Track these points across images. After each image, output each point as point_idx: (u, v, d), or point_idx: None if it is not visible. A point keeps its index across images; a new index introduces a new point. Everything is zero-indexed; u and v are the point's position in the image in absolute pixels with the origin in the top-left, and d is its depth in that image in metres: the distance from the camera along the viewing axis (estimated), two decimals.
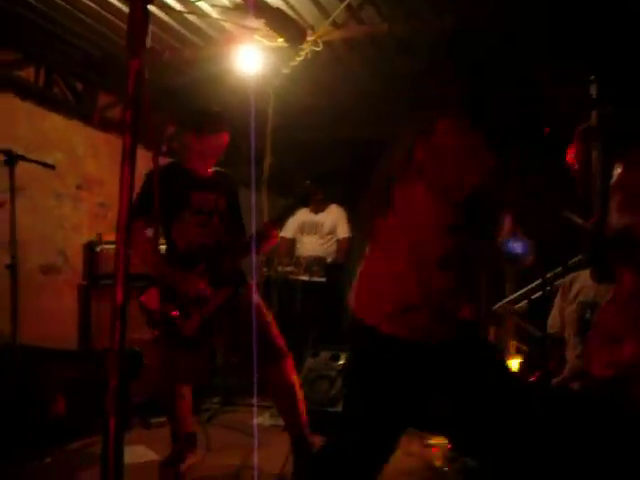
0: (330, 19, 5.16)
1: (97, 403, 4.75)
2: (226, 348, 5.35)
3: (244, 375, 5.05)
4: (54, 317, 5.90)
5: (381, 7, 5.17)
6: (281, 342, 3.95)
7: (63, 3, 5.13)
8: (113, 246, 5.59)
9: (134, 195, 1.51)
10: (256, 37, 5.13)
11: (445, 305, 2.26)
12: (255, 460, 4.03)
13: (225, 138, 4.10)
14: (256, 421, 5.24)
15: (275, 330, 3.96)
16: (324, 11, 5.14)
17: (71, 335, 6.06)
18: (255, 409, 5.44)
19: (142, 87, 1.42)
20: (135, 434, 4.84)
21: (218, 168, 4.28)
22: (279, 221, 4.08)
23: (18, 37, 5.67)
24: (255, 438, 4.51)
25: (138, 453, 4.37)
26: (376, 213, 2.39)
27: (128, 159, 1.42)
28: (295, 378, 3.96)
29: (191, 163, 4.15)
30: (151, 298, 3.86)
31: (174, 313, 3.77)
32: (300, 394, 3.94)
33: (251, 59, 5.34)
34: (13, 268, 4.04)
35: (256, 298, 4.00)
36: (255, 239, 3.89)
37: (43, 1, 5.12)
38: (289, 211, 4.10)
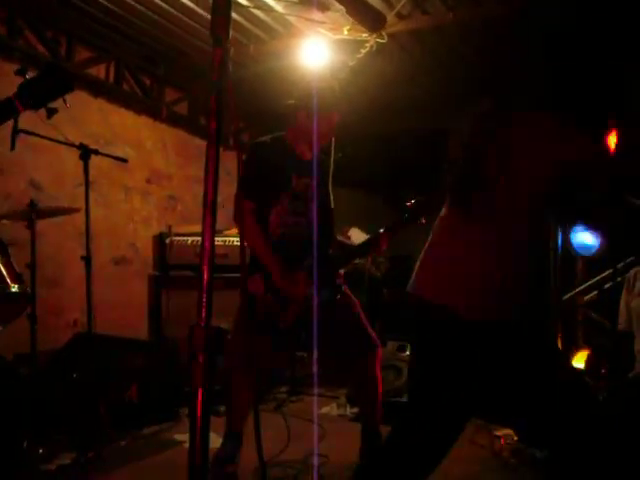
0: (395, 10, 5.16)
1: (168, 391, 4.90)
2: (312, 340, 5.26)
3: (311, 366, 5.10)
4: (126, 307, 6.06)
5: None
6: (375, 335, 3.89)
7: (132, 1, 5.26)
8: (183, 238, 5.76)
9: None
10: (321, 30, 5.17)
11: (520, 288, 2.27)
12: (322, 449, 4.07)
13: (334, 117, 3.83)
14: (317, 410, 5.29)
15: (368, 324, 3.90)
16: (388, 2, 5.15)
17: (142, 324, 6.22)
18: (319, 399, 5.51)
19: (225, 75, 1.47)
20: (188, 423, 4.91)
21: (320, 153, 3.98)
22: (392, 233, 3.82)
23: (90, 36, 5.85)
24: (319, 427, 4.56)
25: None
26: (452, 200, 2.40)
27: (214, 143, 1.47)
28: (380, 371, 3.91)
29: (296, 144, 3.89)
30: (254, 283, 3.70)
31: (274, 303, 3.67)
32: (381, 387, 3.91)
33: (316, 53, 5.37)
34: (87, 260, 4.16)
35: (349, 294, 3.93)
36: (366, 246, 3.82)
37: (115, 1, 5.26)
38: (402, 225, 3.82)
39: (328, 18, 5.24)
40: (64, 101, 1.94)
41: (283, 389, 5.98)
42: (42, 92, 1.89)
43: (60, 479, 3.65)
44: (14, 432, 3.39)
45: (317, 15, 5.13)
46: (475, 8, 5.23)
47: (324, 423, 4.75)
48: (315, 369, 5.21)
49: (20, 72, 1.91)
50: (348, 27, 5.21)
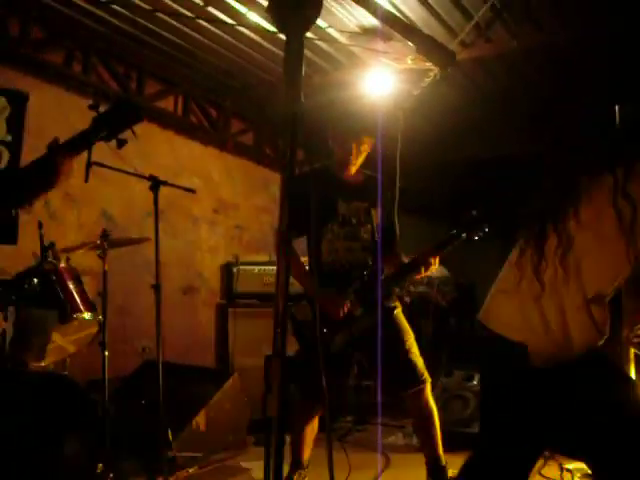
0: (458, 39, 5.17)
1: (234, 419, 4.93)
2: (362, 368, 5.22)
3: (376, 395, 5.07)
4: (193, 335, 6.15)
5: (510, 24, 5.13)
6: (421, 367, 3.82)
7: (200, 36, 5.40)
8: (249, 267, 5.79)
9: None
10: (384, 60, 5.20)
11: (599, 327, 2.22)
12: (387, 479, 4.03)
13: (367, 143, 3.86)
14: (383, 440, 5.25)
15: (416, 354, 3.84)
16: (452, 31, 5.16)
17: (209, 352, 6.30)
18: (384, 428, 5.46)
19: (299, 110, 1.50)
20: (254, 451, 4.94)
21: (371, 173, 3.99)
22: (441, 248, 3.72)
23: (159, 70, 6.02)
24: (384, 456, 4.52)
25: None
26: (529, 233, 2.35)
27: (289, 169, 1.51)
28: (432, 403, 3.86)
29: (339, 169, 3.92)
30: (302, 310, 3.74)
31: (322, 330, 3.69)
32: (437, 417, 3.86)
33: (380, 82, 5.40)
34: (157, 288, 4.24)
35: (401, 320, 3.90)
36: (414, 263, 3.73)
37: (181, 35, 5.40)
38: (452, 240, 3.70)
39: (391, 48, 5.27)
40: (132, 132, 2.02)
41: (349, 418, 5.95)
42: (113, 124, 1.97)
43: None
44: (88, 456, 3.46)
45: (380, 45, 5.18)
46: (538, 34, 5.20)
47: (389, 453, 4.71)
48: (379, 398, 5.17)
49: (93, 106, 2.00)
50: (412, 56, 5.23)
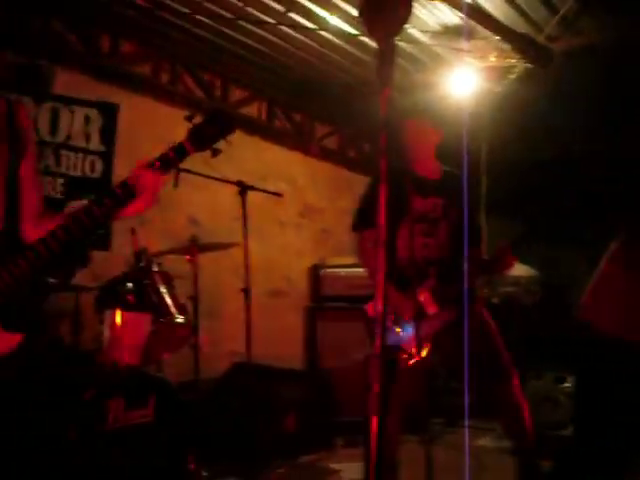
0: (544, 33, 5.07)
1: (323, 421, 4.96)
2: (448, 367, 5.15)
3: (466, 396, 4.99)
4: (281, 338, 6.20)
5: (598, 16, 4.99)
6: (508, 361, 3.76)
7: (282, 42, 5.47)
8: (336, 270, 5.82)
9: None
10: (467, 59, 5.15)
11: None
12: None
13: (432, 135, 3.79)
14: (471, 442, 5.17)
15: (503, 348, 3.77)
16: (536, 26, 5.06)
17: (297, 355, 6.35)
18: (474, 431, 5.38)
19: (391, 113, 1.50)
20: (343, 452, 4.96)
21: (451, 169, 3.90)
22: (515, 247, 3.63)
23: (243, 77, 6.12)
24: (475, 460, 4.46)
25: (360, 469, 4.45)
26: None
27: (384, 180, 1.51)
28: (523, 399, 3.78)
29: (415, 164, 3.80)
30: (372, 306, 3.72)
31: (397, 329, 3.70)
32: (529, 416, 3.77)
33: (463, 81, 5.35)
34: (247, 292, 4.31)
35: (484, 316, 3.81)
36: (490, 262, 3.68)
37: (264, 42, 5.49)
38: (528, 238, 3.63)
39: (474, 46, 5.21)
40: (227, 142, 2.08)
41: (438, 420, 5.90)
42: (208, 135, 2.04)
43: None
44: (183, 455, 3.54)
45: (463, 44, 5.13)
46: (628, 29, 5.05)
47: (481, 456, 4.64)
48: (466, 399, 5.11)
49: (188, 118, 2.06)
50: (495, 54, 5.17)
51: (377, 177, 1.41)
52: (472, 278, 3.72)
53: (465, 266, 3.67)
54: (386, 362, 1.47)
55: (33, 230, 2.12)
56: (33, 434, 2.14)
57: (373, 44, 5.37)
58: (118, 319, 3.41)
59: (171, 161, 2.07)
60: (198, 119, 2.08)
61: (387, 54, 1.49)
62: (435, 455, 4.45)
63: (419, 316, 3.60)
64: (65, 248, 1.98)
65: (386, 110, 1.49)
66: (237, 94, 6.21)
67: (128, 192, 2.01)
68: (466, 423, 5.34)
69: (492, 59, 5.14)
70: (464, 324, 3.58)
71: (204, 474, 3.89)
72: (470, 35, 5.05)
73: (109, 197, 2.00)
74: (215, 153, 2.10)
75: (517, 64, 5.13)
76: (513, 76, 5.19)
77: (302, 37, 5.38)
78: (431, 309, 3.68)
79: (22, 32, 4.57)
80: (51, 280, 3.49)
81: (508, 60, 5.09)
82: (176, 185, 3.25)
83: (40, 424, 2.95)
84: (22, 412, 2.09)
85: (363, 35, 5.18)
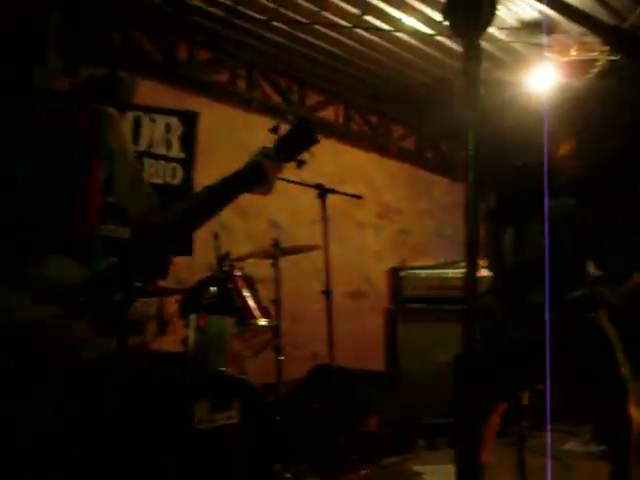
0: (628, 23, 4.92)
1: (406, 422, 4.94)
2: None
3: (553, 399, 4.88)
4: (362, 340, 6.21)
5: None
6: (624, 375, 3.58)
7: (357, 45, 5.48)
8: (416, 271, 5.77)
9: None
10: (547, 54, 5.05)
11: None
12: None
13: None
14: (554, 446, 5.05)
15: (619, 362, 3.60)
16: (619, 15, 4.92)
17: (378, 357, 6.33)
18: (559, 434, 5.26)
19: (476, 113, 1.49)
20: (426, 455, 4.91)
21: (589, 169, 3.84)
22: None
23: (320, 81, 6.16)
24: (562, 464, 4.36)
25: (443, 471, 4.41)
26: None
27: (473, 196, 1.50)
28: (635, 412, 3.61)
29: (553, 162, 3.64)
30: (485, 304, 3.63)
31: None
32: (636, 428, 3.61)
33: (544, 77, 5.25)
34: (328, 294, 4.33)
35: (603, 324, 3.68)
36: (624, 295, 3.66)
37: (339, 46, 5.51)
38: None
39: (554, 40, 5.11)
40: (310, 153, 2.09)
41: (524, 424, 5.78)
42: (294, 147, 2.06)
43: None
44: (267, 456, 3.58)
45: (543, 39, 5.03)
46: None
47: (569, 460, 4.54)
48: (548, 402, 4.99)
49: (273, 130, 2.08)
50: (576, 47, 5.05)
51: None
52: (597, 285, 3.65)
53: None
54: (475, 363, 1.46)
55: (149, 223, 2.18)
56: (123, 434, 2.20)
57: (449, 43, 5.34)
58: (202, 323, 3.47)
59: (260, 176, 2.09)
60: (282, 130, 2.10)
61: (473, 55, 1.48)
62: (524, 459, 4.39)
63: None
64: (172, 238, 2.02)
65: (475, 110, 1.48)
66: (314, 98, 6.26)
67: (260, 173, 2.05)
68: (548, 427, 5.23)
69: (573, 53, 5.02)
70: (578, 331, 3.47)
71: (287, 476, 3.93)
72: (550, 29, 4.95)
73: (239, 176, 2.04)
74: (300, 164, 2.12)
75: (600, 57, 4.99)
76: (596, 70, 5.05)
77: (377, 39, 5.39)
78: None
79: (103, 45, 4.72)
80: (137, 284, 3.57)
81: (590, 53, 4.97)
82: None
83: (129, 424, 3.04)
84: (114, 414, 2.15)
85: (439, 35, 5.15)
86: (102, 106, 2.30)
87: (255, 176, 2.05)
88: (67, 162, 2.09)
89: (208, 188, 2.08)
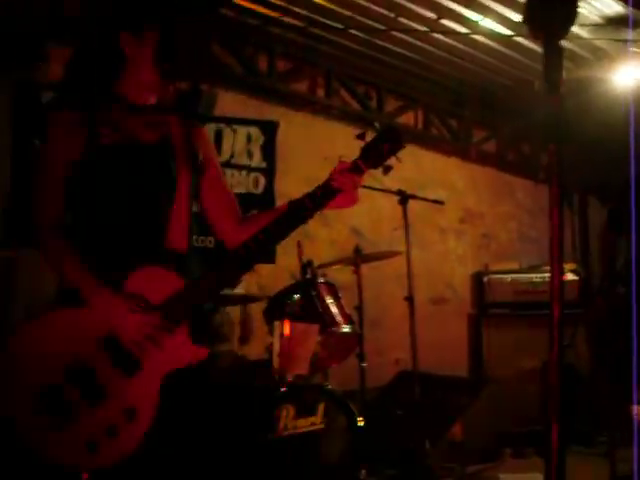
0: None
1: (491, 430, 4.86)
2: None
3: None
4: (445, 346, 6.15)
5: None
6: None
7: (434, 49, 5.46)
8: (500, 276, 5.72)
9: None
10: (632, 50, 4.91)
11: None
12: None
13: None
14: None
15: None
16: None
17: (462, 363, 6.27)
18: None
19: (561, 120, 1.46)
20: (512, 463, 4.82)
21: None
22: None
23: (398, 86, 6.16)
24: None
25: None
26: None
27: (557, 204, 1.48)
28: None
29: None
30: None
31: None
32: None
33: (628, 74, 5.10)
34: (411, 300, 4.31)
35: None
36: None
37: (416, 50, 5.50)
38: None
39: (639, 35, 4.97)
40: (397, 159, 2.10)
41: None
42: (380, 153, 2.08)
43: None
44: (353, 463, 3.59)
45: (627, 34, 4.89)
46: None
47: None
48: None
49: (360, 136, 2.11)
50: None
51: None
52: None
53: None
54: (565, 369, 1.44)
55: (236, 236, 2.25)
56: (209, 439, 2.25)
57: (528, 44, 5.25)
58: (287, 330, 3.50)
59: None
60: (369, 137, 2.12)
61: (554, 57, 1.46)
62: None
63: None
64: (260, 250, 2.06)
65: (559, 113, 1.45)
66: (392, 103, 6.25)
67: (329, 192, 2.07)
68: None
69: None
70: None
71: None
72: (635, 24, 4.81)
73: (309, 198, 2.08)
74: (386, 170, 2.13)
75: None
76: None
77: (454, 42, 5.34)
78: None
79: (183, 58, 4.83)
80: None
81: None
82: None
83: (215, 430, 3.10)
84: (202, 420, 2.20)
85: (518, 36, 5.07)
86: (191, 119, 2.36)
87: (328, 196, 2.08)
88: (163, 174, 2.15)
89: (289, 205, 2.11)
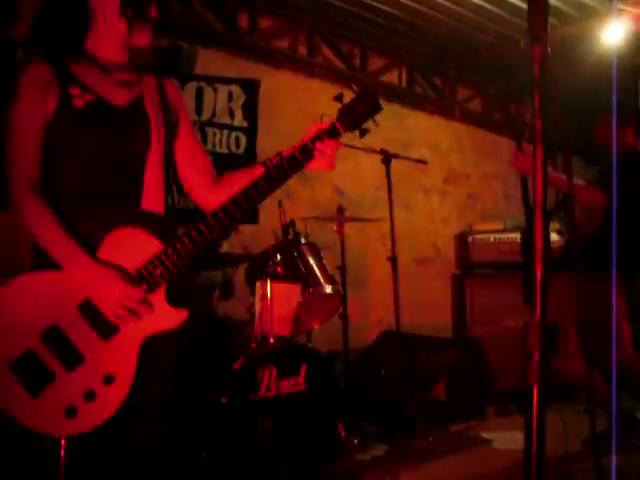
0: None
1: (474, 389, 4.89)
2: None
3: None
4: (428, 306, 6.16)
5: None
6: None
7: (419, 6, 5.37)
8: (484, 235, 5.72)
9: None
10: (620, 7, 4.85)
11: None
12: None
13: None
14: None
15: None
16: None
17: (445, 323, 6.28)
18: None
19: (546, 72, 1.43)
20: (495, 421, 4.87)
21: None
22: None
23: (382, 44, 6.07)
24: None
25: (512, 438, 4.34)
26: None
27: (539, 143, 1.45)
28: None
29: None
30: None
31: None
32: None
33: (614, 31, 5.04)
34: (394, 260, 4.29)
35: None
36: None
37: (401, 7, 5.40)
38: None
39: None
40: (374, 122, 2.07)
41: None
42: (358, 116, 2.04)
43: (373, 469, 3.79)
44: (334, 423, 3.60)
45: None
46: None
47: None
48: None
49: (337, 98, 2.06)
50: None
51: None
52: None
53: None
54: (546, 329, 1.43)
55: (210, 197, 2.21)
56: (191, 400, 2.23)
57: (514, 1, 5.17)
58: (268, 290, 3.47)
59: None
60: (347, 98, 2.07)
61: (539, 12, 1.42)
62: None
63: None
64: (241, 214, 2.03)
65: (540, 69, 1.42)
66: (376, 62, 6.16)
67: (308, 156, 2.03)
68: None
69: None
70: None
71: (354, 442, 3.94)
72: None
73: (288, 162, 2.03)
74: (363, 133, 2.10)
75: None
76: None
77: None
78: None
79: (163, 14, 4.71)
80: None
81: None
82: None
83: (197, 391, 3.09)
84: (183, 381, 2.19)
85: None
86: (165, 77, 2.30)
87: (307, 160, 2.04)
88: (138, 135, 2.10)
89: (265, 166, 2.07)
